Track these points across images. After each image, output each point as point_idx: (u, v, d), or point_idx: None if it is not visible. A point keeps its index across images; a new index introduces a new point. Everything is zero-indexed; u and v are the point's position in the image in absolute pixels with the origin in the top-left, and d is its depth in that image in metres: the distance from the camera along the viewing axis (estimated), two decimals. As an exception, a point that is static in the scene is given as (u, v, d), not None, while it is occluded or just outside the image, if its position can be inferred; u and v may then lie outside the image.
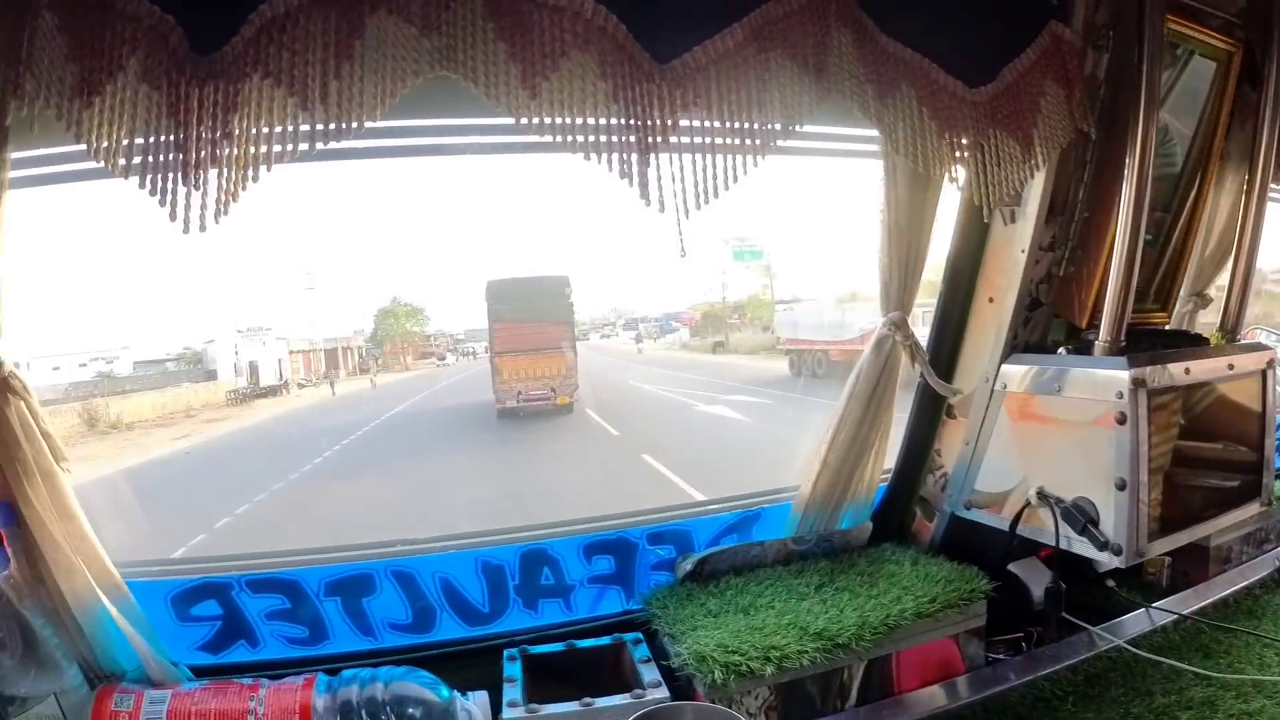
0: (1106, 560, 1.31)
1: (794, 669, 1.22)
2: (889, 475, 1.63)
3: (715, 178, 1.09)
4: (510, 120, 1.30)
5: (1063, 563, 1.47)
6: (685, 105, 1.07)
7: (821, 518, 1.49)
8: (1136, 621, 1.54)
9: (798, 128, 1.14)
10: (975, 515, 1.48)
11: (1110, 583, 1.59)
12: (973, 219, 1.46)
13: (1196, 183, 1.52)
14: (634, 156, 1.04)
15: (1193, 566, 1.71)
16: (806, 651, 1.23)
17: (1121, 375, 1.25)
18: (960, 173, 1.31)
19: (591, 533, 1.49)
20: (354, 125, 0.97)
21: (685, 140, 1.09)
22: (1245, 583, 1.71)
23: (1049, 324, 1.48)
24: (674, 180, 1.08)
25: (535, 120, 1.01)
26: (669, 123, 1.08)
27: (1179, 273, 1.57)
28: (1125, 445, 1.25)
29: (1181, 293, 1.70)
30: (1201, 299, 1.75)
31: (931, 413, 1.59)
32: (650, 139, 1.06)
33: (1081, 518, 1.31)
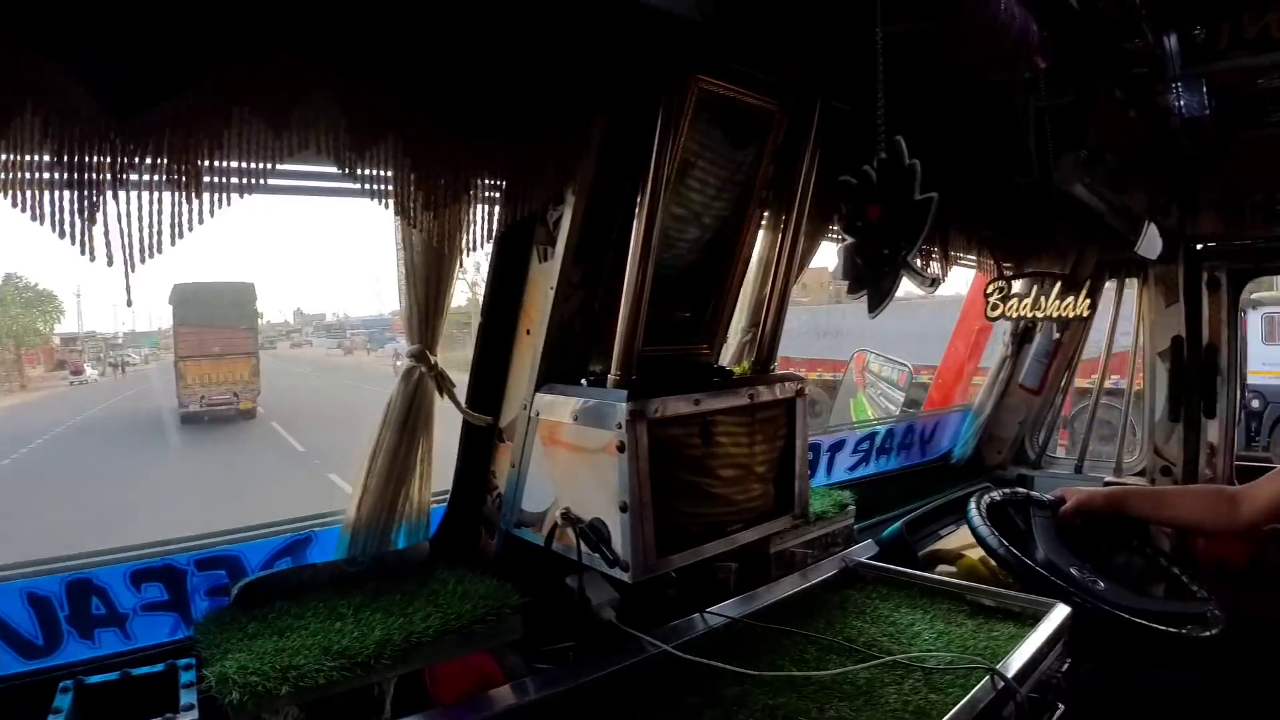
0: (619, 575, 1.43)
1: (312, 687, 1.28)
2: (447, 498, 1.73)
3: (172, 226, 1.10)
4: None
5: None
6: (144, 158, 1.07)
7: (373, 539, 1.57)
8: (690, 627, 1.69)
9: (263, 180, 1.17)
10: (524, 534, 1.60)
11: (671, 591, 1.72)
12: (509, 255, 1.57)
13: (740, 227, 1.67)
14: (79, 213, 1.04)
15: (756, 571, 1.87)
16: (324, 670, 1.29)
17: (621, 406, 1.38)
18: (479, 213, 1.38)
19: (136, 560, 1.50)
20: None
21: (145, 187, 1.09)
22: (807, 584, 1.89)
23: (587, 356, 1.61)
24: (123, 235, 1.09)
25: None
26: (121, 177, 1.09)
27: (724, 309, 1.73)
28: (625, 472, 1.38)
29: (740, 325, 1.88)
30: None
31: (484, 435, 1.69)
32: (97, 195, 1.08)
33: (595, 537, 1.44)
